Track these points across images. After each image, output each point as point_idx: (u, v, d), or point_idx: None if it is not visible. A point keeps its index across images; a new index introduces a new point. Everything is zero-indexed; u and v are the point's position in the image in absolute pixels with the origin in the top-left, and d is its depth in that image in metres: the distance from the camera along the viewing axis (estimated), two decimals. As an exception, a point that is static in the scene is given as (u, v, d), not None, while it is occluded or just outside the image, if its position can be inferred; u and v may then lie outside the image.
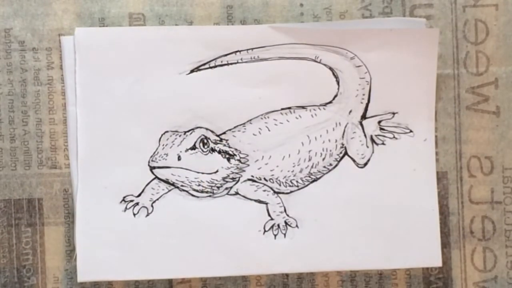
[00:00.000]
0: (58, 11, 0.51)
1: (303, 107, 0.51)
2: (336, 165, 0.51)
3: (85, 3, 0.51)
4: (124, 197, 0.50)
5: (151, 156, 0.50)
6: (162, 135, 0.50)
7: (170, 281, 0.51)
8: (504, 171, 0.51)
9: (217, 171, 0.50)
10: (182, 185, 0.50)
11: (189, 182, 0.50)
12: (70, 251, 0.51)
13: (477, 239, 0.52)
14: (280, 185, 0.51)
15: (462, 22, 0.51)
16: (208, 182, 0.50)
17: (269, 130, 0.50)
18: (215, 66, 0.50)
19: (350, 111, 0.51)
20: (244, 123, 0.50)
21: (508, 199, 0.51)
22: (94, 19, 0.51)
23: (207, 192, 0.50)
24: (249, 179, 0.51)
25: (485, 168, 0.51)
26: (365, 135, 0.51)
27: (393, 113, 0.51)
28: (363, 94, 0.51)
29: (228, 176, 0.50)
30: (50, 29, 0.51)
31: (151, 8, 0.51)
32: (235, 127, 0.50)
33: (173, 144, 0.50)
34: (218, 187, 0.50)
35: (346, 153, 0.51)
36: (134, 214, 0.50)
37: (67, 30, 0.50)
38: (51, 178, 0.51)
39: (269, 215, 0.51)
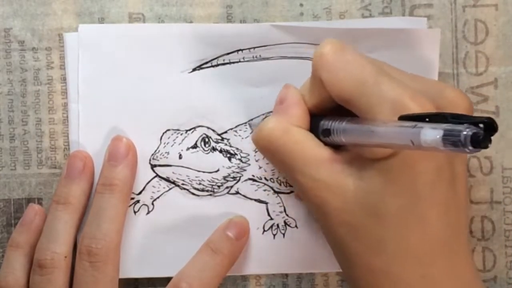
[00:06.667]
0: (58, 11, 0.50)
1: (303, 107, 0.51)
2: (336, 165, 0.51)
3: (84, 3, 0.50)
4: (125, 196, 0.50)
5: (152, 154, 0.50)
6: (163, 133, 0.50)
7: (170, 280, 0.51)
8: (503, 171, 0.51)
9: (218, 170, 0.50)
10: (182, 184, 0.50)
11: (190, 180, 0.50)
12: (70, 251, 0.51)
13: (477, 239, 0.52)
14: (280, 184, 0.51)
15: (462, 22, 0.51)
16: (209, 181, 0.50)
17: (270, 130, 0.50)
18: (217, 65, 0.50)
19: (351, 111, 0.51)
20: (245, 122, 0.50)
21: (508, 199, 0.51)
22: (94, 19, 0.50)
23: (207, 191, 0.50)
24: (249, 179, 0.50)
25: (484, 168, 0.51)
26: (365, 135, 0.51)
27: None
28: (364, 94, 0.51)
29: (229, 175, 0.50)
30: (50, 29, 0.50)
31: (151, 8, 0.51)
32: (236, 126, 0.50)
33: (175, 142, 0.50)
34: (218, 186, 0.50)
35: (346, 153, 0.51)
36: (135, 212, 0.50)
37: (67, 30, 0.50)
38: (50, 178, 0.51)
39: (268, 214, 0.51)
